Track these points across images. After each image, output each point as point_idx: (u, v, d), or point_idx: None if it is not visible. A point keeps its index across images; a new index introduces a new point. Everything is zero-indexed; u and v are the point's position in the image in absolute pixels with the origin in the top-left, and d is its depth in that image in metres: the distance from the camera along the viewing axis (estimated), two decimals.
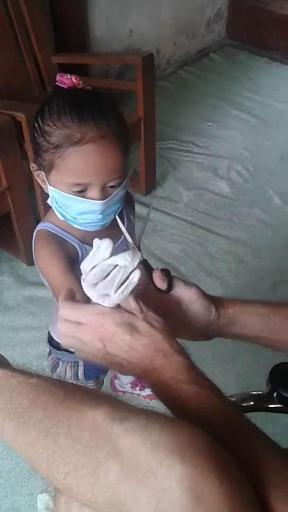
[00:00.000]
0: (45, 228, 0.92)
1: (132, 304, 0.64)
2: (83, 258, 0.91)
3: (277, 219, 2.28)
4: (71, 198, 0.82)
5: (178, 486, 0.44)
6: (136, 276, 0.63)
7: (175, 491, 0.44)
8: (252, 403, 0.83)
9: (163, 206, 2.34)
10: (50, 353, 1.18)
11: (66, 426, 0.53)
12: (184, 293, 0.72)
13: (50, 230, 0.91)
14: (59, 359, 1.14)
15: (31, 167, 0.88)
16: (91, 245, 0.91)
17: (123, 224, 1.00)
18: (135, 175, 2.39)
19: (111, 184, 0.82)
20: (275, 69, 3.56)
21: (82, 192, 0.81)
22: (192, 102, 3.14)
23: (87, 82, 2.45)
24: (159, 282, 0.70)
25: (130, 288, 0.62)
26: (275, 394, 0.79)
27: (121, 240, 0.97)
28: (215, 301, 0.73)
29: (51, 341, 1.15)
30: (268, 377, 0.80)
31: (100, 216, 0.84)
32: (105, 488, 0.48)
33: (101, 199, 0.81)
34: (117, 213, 0.88)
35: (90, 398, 0.56)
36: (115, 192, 0.83)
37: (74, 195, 0.81)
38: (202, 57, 3.76)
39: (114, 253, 0.93)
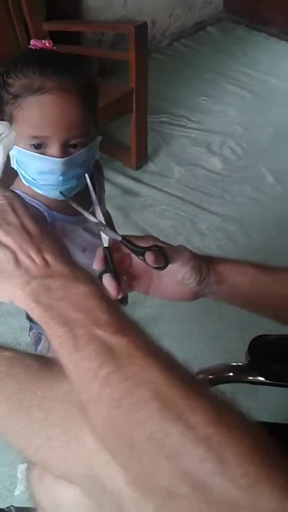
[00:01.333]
0: None
1: None
2: (52, 225, 0.90)
3: (269, 197, 2.26)
4: (29, 155, 0.79)
5: None
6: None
7: None
8: (231, 374, 0.82)
9: (154, 181, 2.31)
10: (31, 329, 1.17)
11: (39, 398, 0.52)
12: (175, 260, 0.67)
13: None
14: (41, 334, 1.13)
15: None
16: (60, 213, 0.90)
17: (95, 193, 0.98)
18: (126, 149, 2.35)
19: (72, 142, 0.79)
20: (272, 44, 3.49)
21: (40, 149, 0.78)
22: (187, 76, 3.08)
23: (79, 50, 2.41)
24: (155, 263, 0.65)
25: None
26: (254, 367, 0.78)
27: (90, 210, 0.95)
28: (205, 260, 0.70)
29: (30, 316, 1.13)
30: (248, 349, 0.80)
31: (61, 178, 0.80)
32: (78, 460, 0.48)
33: (60, 157, 0.78)
34: (81, 182, 0.84)
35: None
36: (77, 152, 0.80)
37: (33, 151, 0.78)
38: (199, 30, 3.68)
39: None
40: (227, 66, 3.21)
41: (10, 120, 0.79)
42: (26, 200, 0.86)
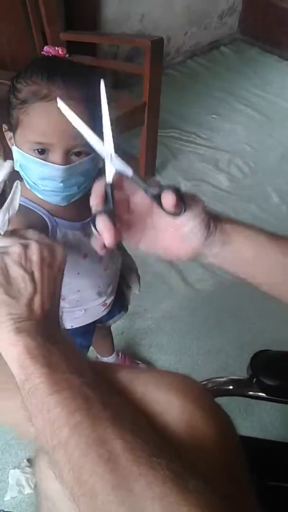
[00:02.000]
0: None
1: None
2: (53, 231, 0.90)
3: (273, 217, 2.27)
4: (32, 160, 0.79)
5: (169, 431, 0.45)
6: (16, 196, 0.61)
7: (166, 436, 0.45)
8: (231, 387, 0.82)
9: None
10: None
11: None
12: (189, 208, 0.59)
13: (20, 202, 0.89)
14: None
15: (3, 128, 0.86)
16: (62, 218, 0.91)
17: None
18: (134, 161, 2.37)
19: (75, 150, 0.78)
20: (284, 67, 3.53)
21: (44, 154, 0.78)
22: (199, 93, 3.12)
23: (94, 62, 2.43)
24: (174, 207, 0.56)
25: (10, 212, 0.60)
26: (254, 381, 0.78)
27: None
28: (214, 216, 0.62)
29: None
30: (250, 363, 0.80)
31: (61, 184, 0.80)
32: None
33: (62, 164, 0.78)
34: (86, 188, 0.84)
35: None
36: (79, 161, 0.80)
37: (36, 157, 0.79)
38: (212, 49, 3.73)
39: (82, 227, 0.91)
40: (238, 86, 3.25)
41: (16, 125, 0.80)
42: (28, 206, 0.87)
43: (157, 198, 0.55)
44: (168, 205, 0.55)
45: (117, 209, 0.58)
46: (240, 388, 0.81)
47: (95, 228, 0.56)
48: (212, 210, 0.62)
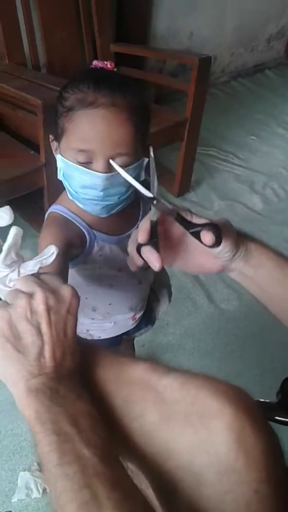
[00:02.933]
0: (55, 210, 0.90)
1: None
2: (91, 243, 0.90)
3: None
4: (75, 168, 0.79)
5: (220, 437, 0.45)
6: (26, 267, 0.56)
7: (214, 441, 0.45)
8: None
9: (193, 211, 2.32)
10: None
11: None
12: (223, 237, 0.65)
13: (60, 212, 0.89)
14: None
15: (49, 138, 0.87)
16: (101, 231, 0.91)
17: (138, 217, 0.97)
18: (170, 176, 2.38)
19: (117, 159, 0.78)
20: None
21: (87, 163, 0.78)
22: (240, 114, 3.12)
23: (140, 75, 2.47)
24: (211, 242, 0.62)
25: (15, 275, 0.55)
26: (283, 406, 0.76)
27: (132, 229, 0.96)
28: (242, 236, 0.68)
29: None
30: (280, 388, 0.78)
31: (101, 193, 0.80)
32: (138, 440, 0.50)
33: (104, 173, 0.78)
34: (126, 200, 0.84)
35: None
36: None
37: (79, 165, 0.79)
38: (257, 72, 3.74)
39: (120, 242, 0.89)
40: (280, 110, 3.24)
41: (62, 133, 0.80)
42: (68, 217, 0.88)
43: (197, 235, 0.63)
44: (207, 240, 0.62)
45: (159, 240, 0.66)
46: (267, 412, 0.79)
47: (140, 255, 0.65)
48: (240, 230, 0.68)
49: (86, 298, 0.99)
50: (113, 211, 0.86)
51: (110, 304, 1.02)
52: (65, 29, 2.11)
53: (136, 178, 0.84)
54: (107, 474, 0.43)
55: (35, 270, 0.55)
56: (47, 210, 0.93)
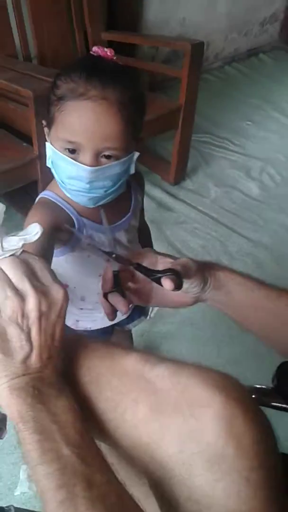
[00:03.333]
0: (45, 196, 0.90)
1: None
2: (80, 230, 0.89)
3: None
4: (62, 158, 0.78)
5: (209, 426, 0.45)
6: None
7: (204, 430, 0.46)
8: (253, 396, 0.80)
9: (189, 199, 2.32)
10: None
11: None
12: (185, 277, 0.69)
13: (50, 198, 0.89)
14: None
15: (42, 123, 0.86)
16: (89, 219, 0.90)
17: (130, 204, 0.97)
18: (166, 164, 2.37)
19: (105, 153, 0.77)
20: None
21: (74, 154, 0.78)
22: (235, 100, 3.10)
23: (133, 63, 2.45)
24: (171, 287, 0.66)
25: None
26: (279, 391, 0.76)
27: (122, 221, 0.95)
28: (208, 266, 0.72)
29: None
30: (275, 373, 0.78)
31: (88, 186, 0.80)
32: (129, 431, 0.50)
33: (90, 165, 0.77)
34: (114, 193, 0.84)
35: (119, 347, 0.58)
36: (108, 164, 0.79)
37: (66, 155, 0.78)
38: (251, 56, 3.71)
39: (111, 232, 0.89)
40: (275, 94, 3.22)
41: (52, 121, 0.80)
42: (58, 203, 0.87)
43: (159, 281, 0.66)
44: (167, 286, 0.65)
45: (124, 283, 0.72)
46: (264, 398, 0.80)
47: (107, 300, 0.70)
48: (206, 262, 0.73)
49: (75, 287, 0.99)
50: (100, 203, 0.85)
51: (99, 293, 1.02)
52: (55, 19, 2.09)
53: (126, 172, 0.84)
54: (85, 472, 0.44)
55: (19, 246, 0.52)
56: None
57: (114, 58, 0.81)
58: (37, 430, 0.46)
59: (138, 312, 1.19)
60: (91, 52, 0.82)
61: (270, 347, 0.75)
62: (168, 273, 0.66)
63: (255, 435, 0.46)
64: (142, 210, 1.06)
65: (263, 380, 0.85)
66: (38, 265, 0.52)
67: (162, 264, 0.71)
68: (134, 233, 1.01)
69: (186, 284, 0.69)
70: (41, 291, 0.50)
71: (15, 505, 1.03)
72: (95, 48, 0.81)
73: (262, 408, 0.80)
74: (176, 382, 0.50)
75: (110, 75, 0.76)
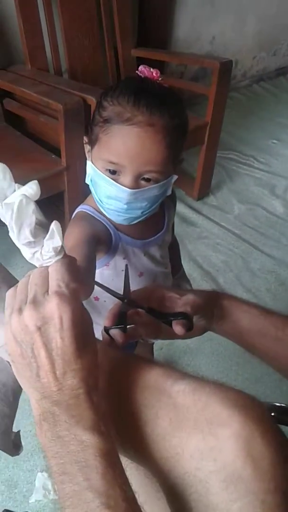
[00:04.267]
0: (83, 210, 0.91)
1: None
2: (116, 244, 0.90)
3: None
4: (102, 178, 0.80)
5: (227, 445, 0.45)
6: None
7: (222, 449, 0.45)
8: (273, 414, 0.80)
9: (213, 215, 2.32)
10: None
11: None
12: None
13: (88, 211, 0.90)
14: None
15: (83, 139, 0.87)
16: (126, 234, 0.92)
17: (164, 220, 0.99)
18: (190, 180, 2.38)
19: (146, 176, 0.79)
20: None
21: (115, 175, 0.79)
22: (261, 118, 3.10)
23: (162, 80, 2.47)
24: (182, 331, 0.67)
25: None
26: None
27: (156, 236, 0.96)
28: (213, 297, 0.74)
29: None
30: None
31: (125, 206, 0.81)
32: (149, 444, 0.51)
33: (130, 188, 0.79)
34: (149, 213, 0.85)
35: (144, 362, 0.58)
36: (147, 187, 0.80)
37: (107, 175, 0.80)
38: (279, 75, 3.71)
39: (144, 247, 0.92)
40: None
41: (95, 141, 0.81)
42: (95, 216, 0.89)
43: (170, 323, 0.68)
44: (178, 330, 0.67)
45: (131, 318, 0.71)
46: (282, 416, 0.79)
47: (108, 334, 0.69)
48: (211, 293, 0.75)
49: (105, 301, 1.00)
50: (135, 222, 0.86)
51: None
52: (87, 34, 2.13)
53: (163, 194, 0.85)
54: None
55: (54, 253, 0.49)
56: (68, 214, 0.94)
57: (160, 79, 0.82)
58: (60, 471, 0.46)
59: None
60: (137, 72, 0.83)
61: (279, 372, 0.75)
62: (179, 317, 0.68)
63: (273, 457, 0.45)
64: (173, 226, 1.07)
65: (283, 399, 0.84)
66: (53, 271, 0.50)
67: (169, 302, 0.73)
68: (166, 249, 1.03)
69: (193, 318, 0.70)
70: (34, 304, 0.48)
71: None
72: (141, 68, 0.82)
73: (281, 426, 0.80)
74: (197, 399, 0.50)
75: (157, 101, 0.77)
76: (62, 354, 0.47)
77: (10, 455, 0.62)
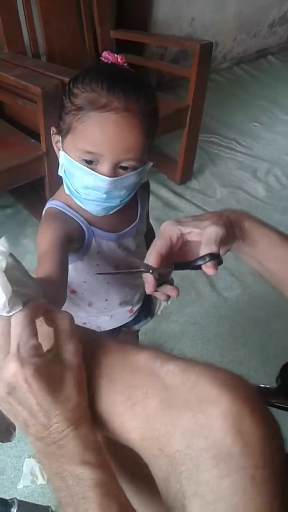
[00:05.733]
0: (54, 206, 0.88)
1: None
2: (89, 239, 0.89)
3: None
4: (79, 168, 0.77)
5: (217, 422, 0.46)
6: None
7: (212, 426, 0.46)
8: None
9: (195, 199, 2.32)
10: None
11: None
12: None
13: (59, 208, 0.88)
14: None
15: (51, 130, 0.84)
16: (99, 228, 0.90)
17: (137, 211, 0.97)
18: (172, 164, 2.37)
19: (124, 164, 0.77)
20: None
21: (92, 164, 0.77)
22: (242, 101, 3.10)
23: (141, 62, 2.45)
24: (213, 272, 0.67)
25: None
26: (283, 391, 0.76)
27: (129, 228, 0.95)
28: (235, 220, 0.71)
29: None
30: (279, 373, 0.78)
31: (104, 195, 0.79)
32: (140, 423, 0.51)
33: (109, 176, 0.77)
34: (123, 202, 0.84)
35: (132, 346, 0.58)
36: (126, 174, 0.78)
37: (84, 165, 0.77)
38: (260, 57, 3.70)
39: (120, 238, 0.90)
40: (283, 96, 3.21)
41: (68, 130, 0.78)
42: (66, 212, 0.86)
43: (199, 268, 0.68)
44: (211, 274, 0.67)
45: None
46: (267, 397, 0.80)
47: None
48: (231, 215, 0.71)
49: (83, 293, 0.99)
50: (112, 212, 0.85)
51: (106, 300, 1.02)
52: (64, 16, 2.09)
53: (138, 182, 0.84)
54: None
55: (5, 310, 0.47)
56: (48, 200, 0.92)
57: (125, 64, 0.80)
58: (64, 502, 0.50)
59: (145, 313, 1.19)
60: (101, 58, 0.81)
61: None
62: (207, 260, 0.66)
63: (261, 433, 0.46)
64: (147, 214, 1.06)
65: (266, 380, 0.85)
66: (12, 327, 0.49)
67: (191, 246, 0.71)
68: (142, 238, 1.02)
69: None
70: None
71: (18, 498, 1.04)
72: (105, 54, 0.80)
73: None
74: (186, 379, 0.50)
75: (131, 86, 0.75)
76: (40, 409, 0.48)
77: (1, 441, 0.63)
